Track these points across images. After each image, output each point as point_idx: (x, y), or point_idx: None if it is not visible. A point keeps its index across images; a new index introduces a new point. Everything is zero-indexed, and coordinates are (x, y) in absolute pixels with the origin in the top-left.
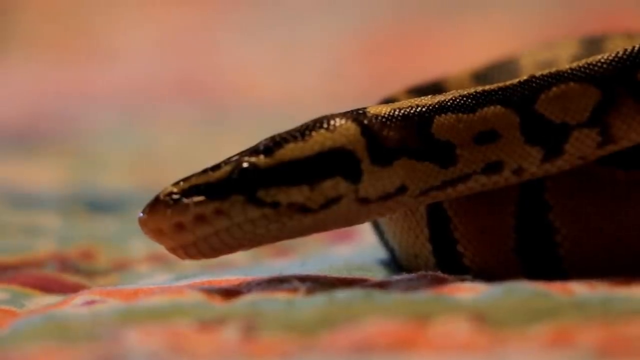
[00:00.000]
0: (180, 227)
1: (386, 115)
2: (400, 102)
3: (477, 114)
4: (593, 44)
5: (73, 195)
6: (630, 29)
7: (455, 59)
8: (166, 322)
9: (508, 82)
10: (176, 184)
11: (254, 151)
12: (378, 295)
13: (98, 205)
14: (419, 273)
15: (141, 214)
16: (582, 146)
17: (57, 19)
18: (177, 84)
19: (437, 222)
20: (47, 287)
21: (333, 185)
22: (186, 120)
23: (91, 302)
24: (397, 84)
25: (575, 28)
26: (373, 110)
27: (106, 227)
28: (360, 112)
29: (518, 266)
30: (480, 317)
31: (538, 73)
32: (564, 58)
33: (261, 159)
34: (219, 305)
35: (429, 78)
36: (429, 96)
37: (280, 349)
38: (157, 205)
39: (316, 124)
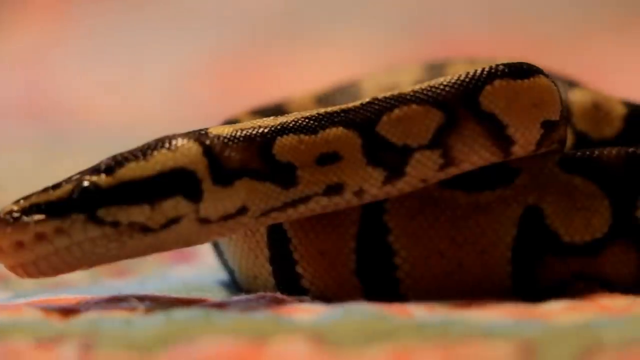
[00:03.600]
0: (20, 245)
1: (228, 136)
2: (243, 123)
3: (319, 135)
4: (435, 69)
5: None
6: (472, 55)
7: (300, 82)
8: (3, 340)
9: (350, 104)
10: (16, 202)
11: (95, 170)
12: (216, 315)
13: None
14: (258, 294)
15: None
16: (423, 168)
17: None
18: (18, 106)
19: (277, 243)
20: None
21: (174, 205)
22: (26, 142)
23: None
24: (241, 105)
25: (418, 54)
26: (215, 130)
27: None
28: (202, 132)
29: (358, 288)
30: (319, 338)
31: (380, 95)
32: (407, 82)
33: (102, 178)
34: (57, 323)
35: (273, 100)
36: (272, 117)
37: None
38: None
39: (158, 143)
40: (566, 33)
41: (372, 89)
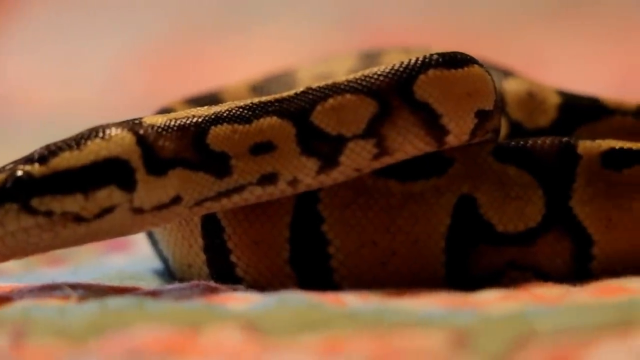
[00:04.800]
0: None
1: (162, 126)
2: (177, 113)
3: (253, 125)
4: (370, 58)
5: None
6: (406, 44)
7: (234, 71)
8: None
9: (285, 94)
10: None
11: (28, 160)
12: (150, 303)
13: None
14: (192, 282)
15: None
16: (357, 158)
17: None
18: None
19: (211, 232)
20: None
21: (107, 195)
22: None
23: None
24: (175, 95)
25: (353, 44)
26: (149, 120)
27: None
28: (136, 122)
29: (292, 277)
30: (252, 326)
31: (315, 85)
32: (341, 71)
33: (36, 168)
34: None
35: (207, 89)
36: (206, 107)
37: (50, 355)
38: None
39: (92, 133)
40: (501, 23)
41: (307, 78)
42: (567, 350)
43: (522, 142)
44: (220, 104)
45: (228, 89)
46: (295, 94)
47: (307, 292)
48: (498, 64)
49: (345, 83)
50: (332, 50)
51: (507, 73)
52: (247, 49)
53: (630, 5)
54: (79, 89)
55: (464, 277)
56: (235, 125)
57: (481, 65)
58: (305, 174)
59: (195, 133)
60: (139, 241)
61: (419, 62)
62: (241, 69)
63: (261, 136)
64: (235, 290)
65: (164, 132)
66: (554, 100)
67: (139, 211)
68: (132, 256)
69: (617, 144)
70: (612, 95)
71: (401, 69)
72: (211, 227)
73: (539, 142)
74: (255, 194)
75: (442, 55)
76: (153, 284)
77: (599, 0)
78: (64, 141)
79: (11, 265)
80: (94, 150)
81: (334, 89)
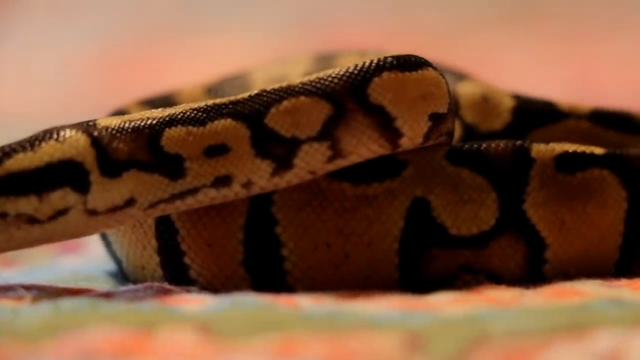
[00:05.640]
0: None
1: (116, 128)
2: (131, 115)
3: (208, 127)
4: (325, 60)
5: None
6: (362, 47)
7: (189, 74)
8: None
9: (239, 96)
10: None
11: None
12: (103, 304)
13: None
14: (145, 284)
15: None
16: (311, 160)
17: None
18: None
19: (165, 234)
20: None
21: (61, 197)
22: None
23: None
24: (130, 96)
25: (308, 46)
26: (103, 122)
27: None
28: (90, 123)
29: (245, 279)
30: (206, 328)
31: (269, 87)
32: (296, 74)
33: None
34: None
35: (162, 91)
36: (160, 109)
37: (4, 356)
38: None
39: (46, 135)
40: (456, 26)
41: (262, 80)
42: (519, 353)
43: (476, 145)
44: (174, 106)
45: (183, 91)
46: (250, 96)
47: (261, 294)
48: (452, 67)
49: (300, 85)
50: (288, 53)
51: (461, 76)
52: (203, 50)
53: (584, 8)
54: (33, 90)
55: (417, 280)
56: (190, 128)
57: (435, 68)
58: (260, 176)
59: (150, 135)
60: (93, 243)
61: (374, 65)
62: (197, 71)
63: (215, 138)
64: (188, 292)
65: (118, 134)
66: (508, 103)
67: (93, 213)
68: (86, 258)
69: (571, 147)
70: (566, 98)
71: (355, 72)
72: (165, 229)
73: (493, 145)
74: (209, 196)
75: (396, 58)
76: (107, 285)
77: (553, 3)
78: (18, 143)
79: None
80: (48, 152)
81: (289, 92)
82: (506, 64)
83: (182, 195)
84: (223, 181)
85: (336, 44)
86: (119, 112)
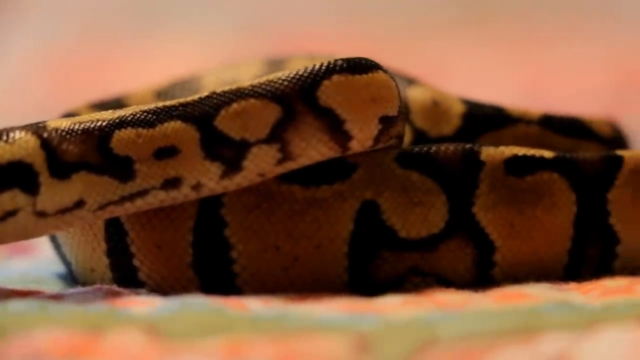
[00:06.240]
0: None
1: (66, 129)
2: (81, 117)
3: (157, 129)
4: (275, 64)
5: None
6: (312, 51)
7: (141, 77)
8: None
9: (189, 98)
10: None
11: None
12: (52, 307)
13: None
14: (94, 286)
15: None
16: (261, 163)
17: None
18: None
19: (114, 236)
20: None
21: (11, 198)
22: None
23: None
24: (80, 99)
25: (260, 50)
26: (53, 124)
27: None
28: (40, 125)
29: (194, 281)
30: (154, 330)
31: (219, 89)
32: (247, 77)
33: None
34: None
35: (113, 94)
36: (110, 111)
37: None
38: None
39: None
40: (406, 30)
41: (212, 83)
42: (468, 356)
43: (425, 148)
44: (124, 109)
45: (133, 94)
46: (200, 98)
47: (210, 296)
48: (402, 72)
49: (250, 88)
50: (239, 56)
51: (411, 81)
52: (154, 54)
53: (536, 14)
54: None
55: (366, 283)
56: (139, 130)
57: (385, 71)
58: (209, 178)
59: (100, 137)
60: (42, 245)
61: (323, 67)
62: (147, 74)
63: (165, 140)
64: (137, 294)
65: (68, 136)
66: (458, 108)
67: (42, 215)
68: (35, 260)
69: (520, 150)
70: (517, 103)
71: (305, 75)
72: (114, 231)
73: (443, 148)
74: (158, 198)
75: (346, 61)
76: (56, 287)
77: (504, 9)
78: None
79: None
80: None
81: (238, 94)
82: (458, 69)
83: (131, 197)
84: (172, 183)
85: (288, 47)
86: (69, 115)
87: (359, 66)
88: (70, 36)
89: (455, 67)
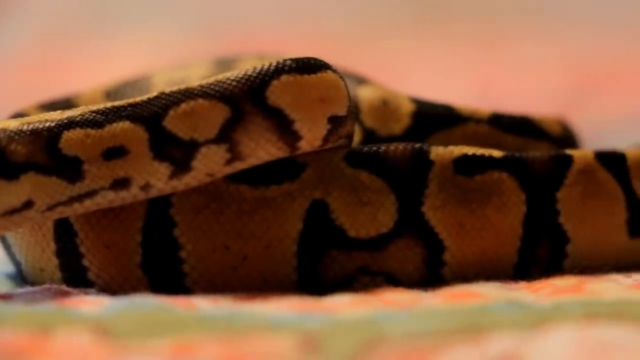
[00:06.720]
0: None
1: (14, 130)
2: (30, 117)
3: (106, 129)
4: (225, 64)
5: None
6: (263, 51)
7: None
8: None
9: (138, 99)
10: None
11: None
12: (1, 306)
13: None
14: (44, 286)
15: None
16: (209, 163)
17: None
18: None
19: (64, 236)
20: None
21: None
22: None
23: None
24: (29, 100)
25: (211, 50)
26: (1, 124)
27: None
28: None
29: (143, 281)
30: (103, 329)
31: (168, 89)
32: (197, 77)
33: None
34: None
35: (62, 94)
36: (59, 112)
37: None
38: None
39: None
40: (359, 30)
41: (162, 83)
42: (416, 355)
43: (375, 148)
44: (73, 109)
45: (83, 94)
46: (148, 98)
47: (159, 296)
48: (352, 71)
49: (198, 88)
50: (190, 56)
51: (361, 80)
52: (104, 54)
53: (490, 14)
54: None
55: (315, 282)
56: (88, 130)
57: (335, 71)
58: (158, 178)
59: (48, 137)
60: None
61: (272, 67)
62: (97, 75)
63: (113, 141)
64: (87, 294)
65: (17, 137)
66: (408, 107)
67: None
68: None
69: (470, 150)
70: (471, 104)
71: (254, 75)
72: (63, 231)
73: (392, 147)
74: (107, 199)
75: (295, 61)
76: (5, 287)
77: (459, 9)
78: None
79: None
80: None
81: (187, 94)
82: (413, 69)
83: (80, 198)
84: (121, 184)
85: (239, 48)
86: (18, 115)
87: (308, 66)
88: (20, 37)
89: (410, 67)
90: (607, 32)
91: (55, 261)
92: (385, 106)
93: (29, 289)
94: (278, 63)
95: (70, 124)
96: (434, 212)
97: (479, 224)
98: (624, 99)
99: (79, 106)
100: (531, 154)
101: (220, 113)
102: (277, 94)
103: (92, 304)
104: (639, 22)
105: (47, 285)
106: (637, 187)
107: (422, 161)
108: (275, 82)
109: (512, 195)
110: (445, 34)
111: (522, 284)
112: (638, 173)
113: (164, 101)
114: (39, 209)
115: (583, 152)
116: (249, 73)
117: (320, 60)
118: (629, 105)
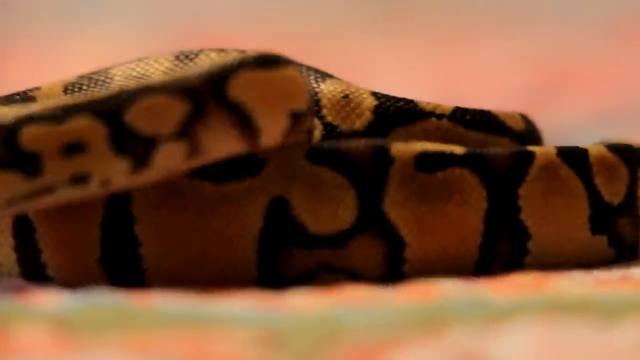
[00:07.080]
0: None
1: None
2: None
3: (65, 124)
4: (187, 58)
5: None
6: (224, 46)
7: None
8: None
9: (98, 94)
10: None
11: None
12: None
13: None
14: (1, 281)
15: None
16: (170, 158)
17: None
18: None
19: (22, 231)
20: None
21: None
22: None
23: None
24: None
25: (172, 46)
26: None
27: None
28: None
29: (103, 277)
30: (61, 325)
31: (128, 85)
32: (157, 72)
33: None
34: None
35: (21, 89)
36: (18, 106)
37: None
38: None
39: None
40: (324, 27)
41: (122, 78)
42: (375, 351)
43: (336, 144)
44: (33, 104)
45: (42, 89)
46: (109, 94)
47: (118, 291)
48: (315, 67)
49: (159, 83)
50: (151, 51)
51: (323, 75)
52: (67, 50)
53: (454, 12)
54: None
55: (276, 279)
56: (48, 125)
57: (295, 66)
58: (118, 174)
59: (7, 132)
60: None
61: (233, 62)
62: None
63: (73, 136)
64: (45, 289)
65: None
66: (369, 102)
67: None
68: None
69: (431, 146)
70: (435, 101)
71: (215, 70)
72: (22, 227)
73: (353, 144)
74: (66, 194)
75: (256, 56)
76: None
77: (424, 7)
78: None
79: None
80: None
81: (148, 90)
82: (378, 65)
83: (39, 193)
84: (81, 179)
85: (202, 43)
86: None
87: (269, 61)
88: None
89: (374, 64)
90: (569, 31)
91: (13, 256)
92: (346, 101)
93: None
94: (239, 58)
95: (30, 119)
96: (394, 208)
97: (440, 221)
98: (586, 98)
99: (37, 100)
100: (493, 151)
101: (181, 108)
102: (238, 89)
103: (50, 300)
104: (601, 21)
105: (5, 281)
106: (599, 184)
107: (383, 158)
108: (236, 78)
109: (473, 192)
110: (411, 31)
111: (483, 281)
112: (600, 170)
113: (124, 96)
114: None
115: (545, 149)
116: (210, 68)
117: (281, 56)
118: (591, 104)
